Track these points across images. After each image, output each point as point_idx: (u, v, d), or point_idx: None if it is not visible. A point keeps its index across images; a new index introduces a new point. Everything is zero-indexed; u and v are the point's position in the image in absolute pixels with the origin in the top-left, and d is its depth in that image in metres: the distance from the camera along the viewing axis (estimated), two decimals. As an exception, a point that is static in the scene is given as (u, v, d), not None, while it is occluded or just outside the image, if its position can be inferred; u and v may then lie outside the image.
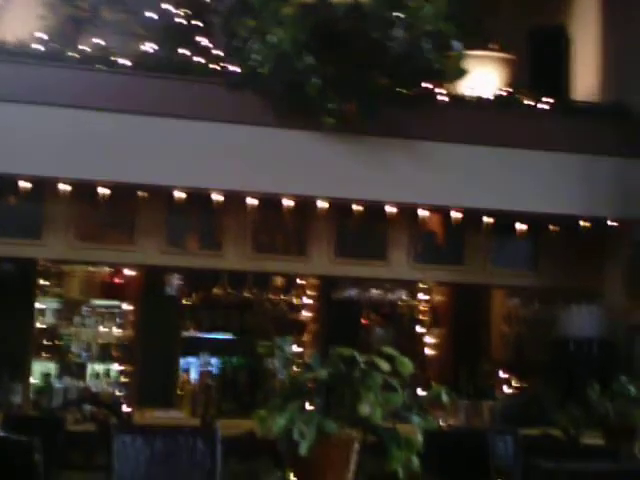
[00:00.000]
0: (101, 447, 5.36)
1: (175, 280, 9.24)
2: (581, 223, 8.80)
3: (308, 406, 3.22)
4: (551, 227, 9.02)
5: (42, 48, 7.66)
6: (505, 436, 5.88)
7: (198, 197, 8.00)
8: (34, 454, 4.31)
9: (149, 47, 8.10)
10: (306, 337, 9.95)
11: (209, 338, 9.88)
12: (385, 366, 3.26)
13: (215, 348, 9.68)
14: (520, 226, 8.93)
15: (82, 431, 6.96)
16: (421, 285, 10.22)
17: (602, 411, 5.88)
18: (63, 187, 7.79)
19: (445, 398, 3.47)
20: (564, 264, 9.24)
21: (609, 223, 8.81)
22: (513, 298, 10.13)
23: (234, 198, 8.13)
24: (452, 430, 7.24)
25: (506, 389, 9.56)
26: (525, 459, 5.09)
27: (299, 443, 3.13)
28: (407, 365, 3.33)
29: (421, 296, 10.41)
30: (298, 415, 3.14)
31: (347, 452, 3.27)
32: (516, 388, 9.61)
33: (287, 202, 8.21)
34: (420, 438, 3.34)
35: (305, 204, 8.29)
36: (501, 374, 9.68)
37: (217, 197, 8.04)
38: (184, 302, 9.61)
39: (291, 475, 3.59)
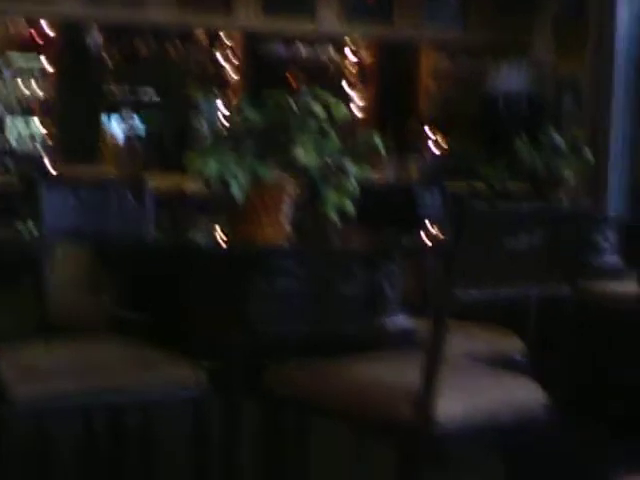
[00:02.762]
0: (27, 200, 5.25)
1: (96, 35, 8.93)
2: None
3: (241, 150, 3.13)
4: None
5: None
6: (432, 189, 5.89)
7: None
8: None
9: None
10: (232, 95, 9.80)
11: (133, 94, 9.67)
12: (319, 110, 3.17)
13: (138, 105, 9.50)
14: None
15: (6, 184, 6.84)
16: (350, 43, 10.05)
17: (529, 163, 5.88)
18: None
19: (379, 143, 3.40)
20: (493, 19, 9.11)
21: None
22: (442, 54, 10.01)
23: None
24: (382, 183, 7.25)
25: (434, 146, 9.58)
26: (455, 206, 5.10)
27: (232, 188, 3.06)
28: (342, 110, 3.24)
29: (349, 54, 10.25)
30: (231, 159, 3.05)
31: (281, 197, 3.22)
32: (443, 144, 9.64)
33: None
34: (354, 184, 3.29)
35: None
36: (429, 131, 9.67)
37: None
38: (105, 58, 9.34)
39: (222, 223, 3.56)
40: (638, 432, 3.75)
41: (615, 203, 7.83)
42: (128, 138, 9.00)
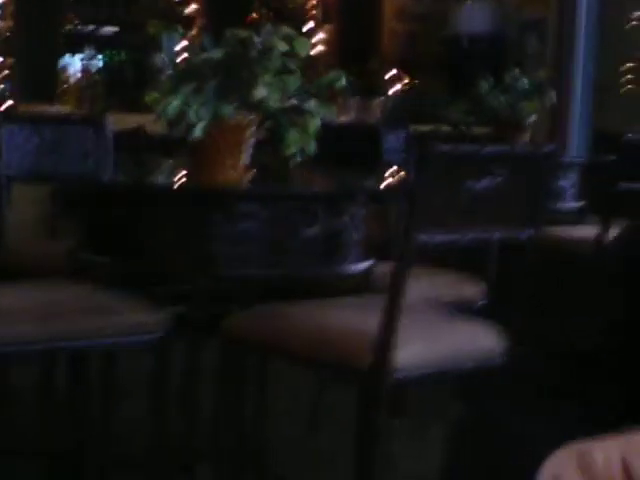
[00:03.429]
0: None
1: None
2: None
3: (202, 89, 3.07)
4: None
5: None
6: (396, 131, 5.86)
7: None
8: None
9: None
10: (194, 32, 9.67)
11: (92, 32, 9.52)
12: (282, 46, 3.11)
13: (99, 42, 9.36)
14: None
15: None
16: (312, -22, 9.94)
17: (493, 104, 5.85)
18: None
19: (342, 82, 3.34)
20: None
21: None
22: (405, -7, 9.93)
23: None
24: (344, 124, 7.21)
25: (397, 86, 9.52)
26: (417, 148, 5.08)
27: (193, 126, 3.01)
28: (304, 45, 3.18)
29: (311, -9, 10.14)
30: (192, 97, 3.00)
31: (243, 136, 3.17)
32: (407, 85, 9.58)
33: None
34: (317, 123, 3.25)
35: None
36: (392, 72, 9.60)
37: None
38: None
39: (183, 163, 3.51)
40: (602, 371, 3.78)
41: (578, 146, 7.84)
42: (88, 77, 8.87)
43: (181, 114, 2.99)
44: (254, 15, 9.97)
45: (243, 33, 3.12)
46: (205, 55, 3.11)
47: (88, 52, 9.13)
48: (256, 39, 3.10)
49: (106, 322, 2.89)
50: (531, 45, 8.64)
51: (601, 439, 0.82)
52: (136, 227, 3.17)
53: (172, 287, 3.38)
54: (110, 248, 3.21)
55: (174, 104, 2.97)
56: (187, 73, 3.09)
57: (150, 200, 3.18)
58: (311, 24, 10.18)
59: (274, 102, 3.12)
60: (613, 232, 4.17)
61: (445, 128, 6.27)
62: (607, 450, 0.81)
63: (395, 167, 4.99)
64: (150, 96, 3.10)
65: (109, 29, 9.58)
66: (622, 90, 8.10)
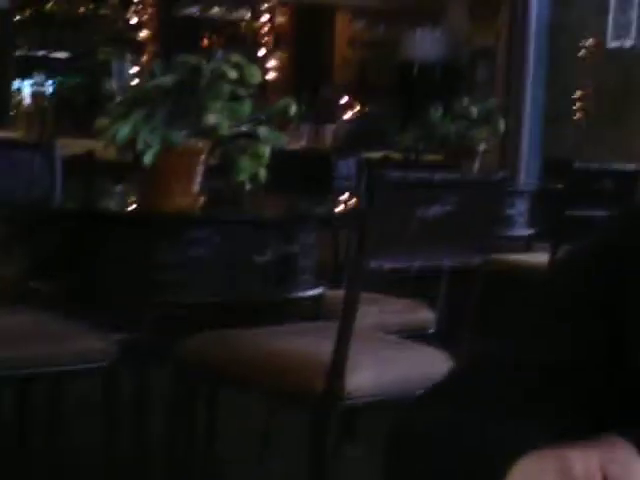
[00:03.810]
0: None
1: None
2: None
3: (153, 116, 3.06)
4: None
5: None
6: (347, 158, 5.88)
7: None
8: None
9: None
10: (145, 57, 9.66)
11: (43, 57, 9.47)
12: (232, 74, 3.11)
13: (50, 67, 9.31)
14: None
15: None
16: (264, 5, 9.97)
17: (443, 131, 5.89)
18: None
19: (293, 109, 3.36)
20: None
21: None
22: (358, 20, 9.97)
23: None
24: (297, 150, 7.22)
25: (348, 114, 9.56)
26: (369, 175, 5.11)
27: (143, 153, 3.00)
28: (255, 73, 3.19)
29: (264, 17, 10.17)
30: (142, 124, 2.99)
31: (193, 163, 3.17)
32: (358, 112, 9.62)
33: None
34: (268, 151, 3.25)
35: None
36: (344, 98, 9.65)
37: None
38: (16, 18, 9.13)
39: (134, 189, 3.50)
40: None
41: (528, 173, 7.91)
42: (38, 102, 8.81)
43: (131, 140, 2.98)
44: (206, 41, 9.98)
45: (194, 60, 3.12)
46: (156, 81, 3.10)
47: (38, 77, 9.07)
48: (207, 66, 3.10)
49: (53, 350, 2.86)
50: (481, 73, 8.72)
51: (576, 445, 0.82)
52: (85, 254, 3.15)
53: (122, 313, 3.36)
54: (58, 275, 3.18)
55: (124, 130, 2.95)
56: (137, 99, 3.08)
57: (98, 226, 3.16)
58: (264, 50, 10.20)
59: (225, 129, 3.12)
60: (563, 256, 4.20)
61: (396, 155, 6.31)
62: (585, 456, 0.80)
63: (346, 194, 5.01)
64: (100, 122, 3.09)
65: (59, 54, 9.54)
66: (573, 118, 8.19)
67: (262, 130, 3.26)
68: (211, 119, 3.09)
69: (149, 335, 3.35)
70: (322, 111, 9.14)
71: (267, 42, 10.24)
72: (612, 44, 7.83)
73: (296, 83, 9.96)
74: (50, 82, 9.19)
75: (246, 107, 3.19)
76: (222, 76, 3.12)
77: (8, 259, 4.15)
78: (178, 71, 3.13)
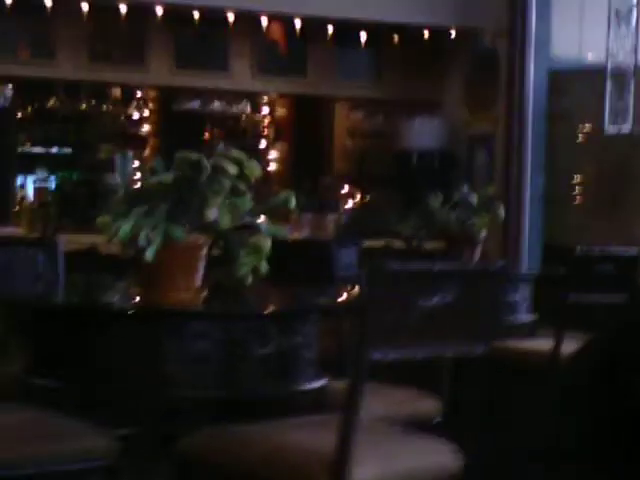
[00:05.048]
0: None
1: (7, 91, 8.82)
2: (425, 33, 8.77)
3: (154, 212, 3.09)
4: (394, 37, 8.96)
5: None
6: (349, 247, 5.90)
7: (27, 0, 7.59)
8: None
9: None
10: (147, 152, 9.75)
11: (46, 153, 9.56)
12: (232, 169, 3.15)
13: (52, 163, 9.39)
14: (364, 36, 8.85)
15: None
16: (264, 98, 10.09)
17: (444, 220, 5.92)
18: None
19: (293, 203, 3.38)
20: (407, 75, 9.23)
21: (451, 33, 8.80)
22: (356, 111, 10.08)
23: (66, 2, 7.74)
24: (297, 241, 7.25)
25: (349, 203, 9.62)
26: (369, 266, 5.11)
27: (145, 249, 3.02)
28: (254, 168, 3.23)
29: (264, 109, 10.29)
30: (144, 220, 3.02)
31: (194, 258, 3.19)
32: (359, 201, 9.68)
33: (123, 7, 7.88)
34: (268, 243, 3.27)
35: (142, 10, 7.97)
36: (344, 188, 9.71)
37: (49, 1, 7.65)
38: (18, 115, 9.24)
39: (136, 284, 3.51)
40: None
41: (529, 259, 7.92)
42: (41, 198, 8.87)
43: (133, 236, 3.01)
44: (207, 134, 10.08)
45: (194, 156, 3.16)
46: (157, 178, 3.14)
47: (40, 173, 9.15)
48: (207, 162, 3.13)
49: (54, 448, 2.84)
50: (480, 160, 8.80)
51: None
52: (88, 349, 3.14)
53: (124, 409, 3.34)
54: (61, 371, 3.17)
55: (126, 227, 2.98)
56: (139, 196, 3.11)
57: (102, 322, 3.16)
58: (265, 142, 10.31)
59: (225, 223, 3.15)
60: (566, 344, 4.19)
61: (398, 243, 6.33)
62: None
63: (348, 284, 5.02)
64: (102, 218, 3.11)
65: (62, 150, 9.64)
66: (572, 203, 8.24)
67: (262, 223, 3.29)
68: (212, 214, 3.12)
69: (153, 430, 3.33)
70: (323, 201, 9.19)
71: (267, 134, 10.35)
72: (609, 130, 7.92)
73: (297, 173, 10.04)
74: (52, 178, 9.27)
75: (246, 202, 3.23)
76: (222, 171, 3.15)
77: (11, 355, 4.14)
78: (179, 167, 3.17)
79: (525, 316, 5.39)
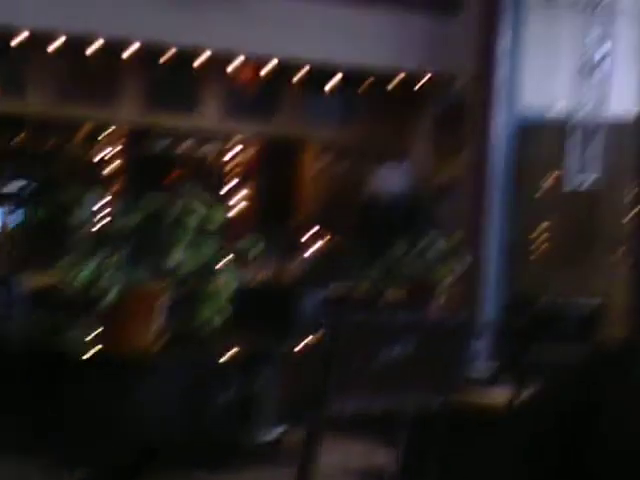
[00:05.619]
0: None
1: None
2: (394, 79, 8.84)
3: (116, 255, 3.09)
4: (364, 82, 9.02)
5: None
6: (312, 293, 5.91)
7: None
8: None
9: None
10: (114, 190, 9.71)
11: (11, 189, 9.50)
12: (200, 210, 3.15)
13: (16, 201, 9.33)
14: (334, 80, 8.89)
15: None
16: (232, 140, 10.11)
17: (407, 268, 5.95)
18: None
19: (258, 247, 3.39)
20: (375, 120, 9.29)
21: (421, 79, 8.86)
22: (324, 155, 10.12)
23: (38, 39, 7.74)
24: (260, 286, 7.24)
25: (314, 247, 9.62)
26: (332, 314, 5.12)
27: (106, 292, 3.01)
28: (220, 212, 3.23)
29: (231, 151, 10.29)
30: (106, 263, 3.01)
31: (156, 300, 3.18)
32: (324, 246, 9.68)
33: (94, 45, 7.88)
34: (231, 288, 3.27)
35: (113, 48, 7.98)
36: (310, 232, 9.72)
37: (20, 38, 7.65)
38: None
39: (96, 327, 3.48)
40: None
41: (492, 307, 7.94)
42: (5, 233, 8.82)
43: (93, 280, 2.99)
44: (173, 176, 10.07)
45: (160, 198, 3.16)
46: (121, 220, 3.13)
47: (2, 210, 9.09)
48: (172, 206, 3.13)
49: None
50: (446, 207, 8.84)
51: None
52: (45, 392, 3.12)
53: (81, 452, 3.31)
54: (18, 414, 3.14)
55: (87, 272, 2.97)
56: (101, 238, 3.11)
57: (59, 365, 3.14)
58: (231, 184, 10.31)
59: (189, 267, 3.14)
60: (526, 394, 4.20)
61: (362, 288, 6.33)
62: None
63: (310, 330, 5.02)
64: (64, 261, 3.10)
65: (28, 186, 9.58)
66: (535, 254, 8.28)
67: (226, 267, 3.29)
68: (175, 258, 3.11)
69: (110, 473, 3.30)
70: (287, 245, 9.19)
71: (235, 176, 10.35)
72: (576, 179, 7.99)
73: (262, 217, 10.03)
74: (15, 215, 9.21)
75: (211, 245, 3.22)
76: (189, 213, 3.15)
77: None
78: (144, 210, 3.17)
79: (486, 365, 5.40)
